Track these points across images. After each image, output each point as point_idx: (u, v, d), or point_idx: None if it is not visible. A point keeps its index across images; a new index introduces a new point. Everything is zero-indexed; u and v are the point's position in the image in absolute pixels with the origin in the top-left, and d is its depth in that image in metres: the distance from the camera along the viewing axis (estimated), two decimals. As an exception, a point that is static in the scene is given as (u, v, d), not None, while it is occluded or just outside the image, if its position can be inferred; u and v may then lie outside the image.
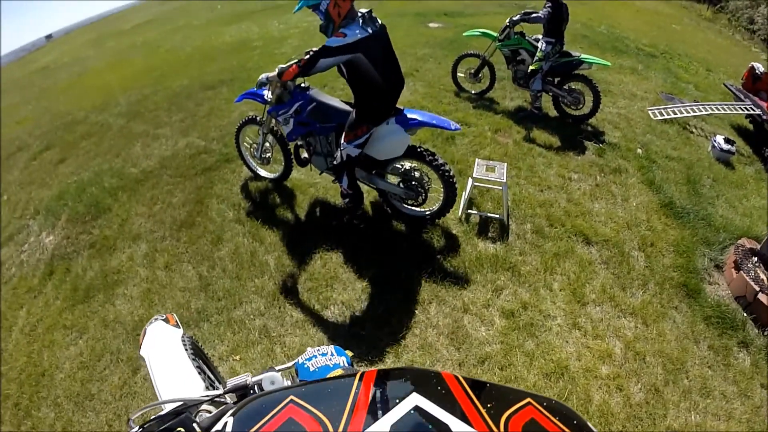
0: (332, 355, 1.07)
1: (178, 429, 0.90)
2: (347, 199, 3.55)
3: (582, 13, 11.98)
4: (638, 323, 3.09)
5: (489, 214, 3.85)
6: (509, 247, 3.57)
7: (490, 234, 3.71)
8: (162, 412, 1.01)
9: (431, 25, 10.86)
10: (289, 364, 1.09)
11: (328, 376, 1.01)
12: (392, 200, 3.74)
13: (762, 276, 3.44)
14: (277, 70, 3.19)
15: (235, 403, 0.98)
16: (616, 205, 4.21)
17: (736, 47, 16.89)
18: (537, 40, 5.57)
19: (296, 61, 3.06)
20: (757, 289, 3.23)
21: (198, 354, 1.59)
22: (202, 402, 1.06)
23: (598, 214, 4.03)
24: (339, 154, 3.30)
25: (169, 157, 5.37)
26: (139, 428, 0.97)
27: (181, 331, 1.59)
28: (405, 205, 3.71)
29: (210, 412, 1.02)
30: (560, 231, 3.76)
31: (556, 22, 5.20)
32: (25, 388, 3.05)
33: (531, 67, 5.43)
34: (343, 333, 2.93)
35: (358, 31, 2.78)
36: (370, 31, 2.84)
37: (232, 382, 1.02)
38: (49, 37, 49.66)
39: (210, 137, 5.65)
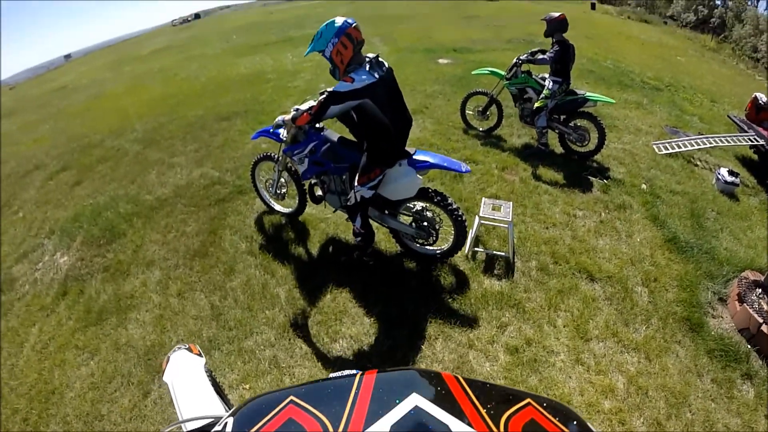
0: None
1: None
2: (359, 238, 3.62)
3: (588, 48, 12.20)
4: (641, 358, 3.12)
5: (495, 252, 3.92)
6: (514, 284, 3.64)
7: (495, 271, 3.78)
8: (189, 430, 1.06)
9: (441, 61, 11.07)
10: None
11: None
12: (404, 239, 3.82)
13: (766, 307, 3.45)
14: (292, 113, 3.32)
15: None
16: (620, 241, 4.27)
17: (740, 76, 17.02)
18: (544, 79, 5.71)
19: (308, 108, 3.16)
20: (761, 320, 3.24)
21: (213, 383, 1.67)
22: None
23: (602, 251, 4.09)
24: (353, 196, 3.39)
25: (184, 186, 5.52)
26: None
27: (203, 360, 1.65)
28: (416, 244, 3.79)
29: None
30: (564, 268, 3.83)
31: (563, 63, 5.33)
32: (34, 404, 3.11)
33: (536, 104, 5.55)
34: (351, 366, 2.95)
35: (365, 77, 2.88)
36: (377, 76, 2.95)
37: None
38: (68, 56, 50.89)
39: (224, 168, 5.80)
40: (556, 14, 5.37)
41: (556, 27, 5.36)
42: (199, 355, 1.66)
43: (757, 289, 3.62)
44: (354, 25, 2.93)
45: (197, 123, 7.96)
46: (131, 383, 3.08)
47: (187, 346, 1.70)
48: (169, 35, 35.23)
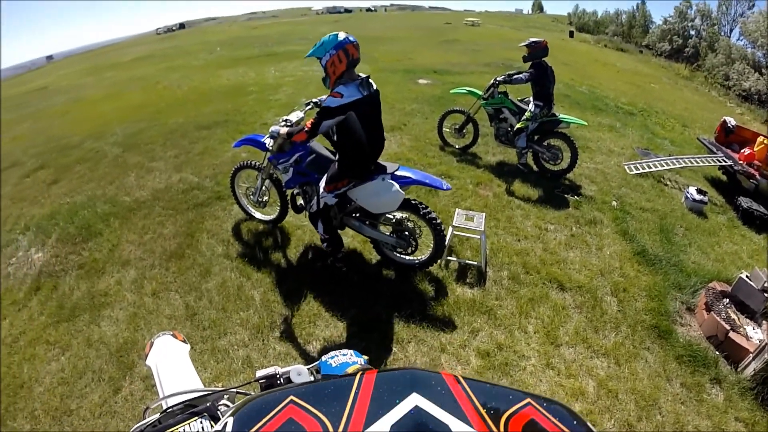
0: (351, 356, 1.14)
1: (203, 414, 0.98)
2: (325, 243, 3.68)
3: (565, 73, 12.61)
4: (611, 363, 3.21)
5: (468, 261, 4.01)
6: (486, 292, 3.72)
7: (468, 280, 3.86)
8: (179, 404, 1.07)
9: (420, 81, 11.32)
10: (315, 363, 1.16)
11: (346, 371, 1.07)
12: (383, 248, 3.87)
13: (733, 316, 3.61)
14: (282, 125, 3.47)
15: (260, 393, 1.06)
16: (590, 254, 4.40)
17: (712, 103, 17.73)
18: (523, 101, 5.90)
19: (298, 125, 3.29)
20: (728, 327, 3.38)
21: None
22: (228, 392, 1.14)
23: (573, 263, 4.21)
24: (316, 201, 3.49)
25: (162, 190, 5.50)
26: (161, 413, 1.03)
27: (188, 346, 1.64)
28: (395, 254, 3.85)
29: (228, 406, 1.09)
30: (536, 278, 3.93)
31: (541, 86, 5.52)
32: (2, 397, 3.05)
33: (517, 125, 5.72)
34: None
35: (354, 93, 3.03)
36: (365, 93, 3.09)
37: (260, 372, 1.09)
38: (50, 58, 50.16)
39: (203, 174, 5.81)
40: (539, 40, 5.60)
41: (539, 53, 5.58)
42: (184, 341, 1.65)
43: (725, 299, 3.79)
44: (354, 43, 3.04)
45: (178, 130, 7.94)
46: (102, 379, 3.05)
47: (172, 333, 1.68)
48: (152, 44, 35.14)
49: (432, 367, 3.00)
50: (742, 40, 27.40)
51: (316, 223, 3.58)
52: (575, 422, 0.62)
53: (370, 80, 3.21)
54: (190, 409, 1.03)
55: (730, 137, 7.93)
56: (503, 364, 3.09)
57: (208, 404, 1.02)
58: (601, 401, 2.92)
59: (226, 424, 0.63)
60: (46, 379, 3.13)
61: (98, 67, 24.62)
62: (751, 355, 3.23)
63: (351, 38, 3.04)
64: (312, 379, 1.10)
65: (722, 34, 31.92)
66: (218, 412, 1.00)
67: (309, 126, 3.11)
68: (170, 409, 1.05)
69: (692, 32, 33.65)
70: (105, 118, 10.18)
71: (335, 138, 3.27)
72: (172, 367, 1.51)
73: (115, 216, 5.01)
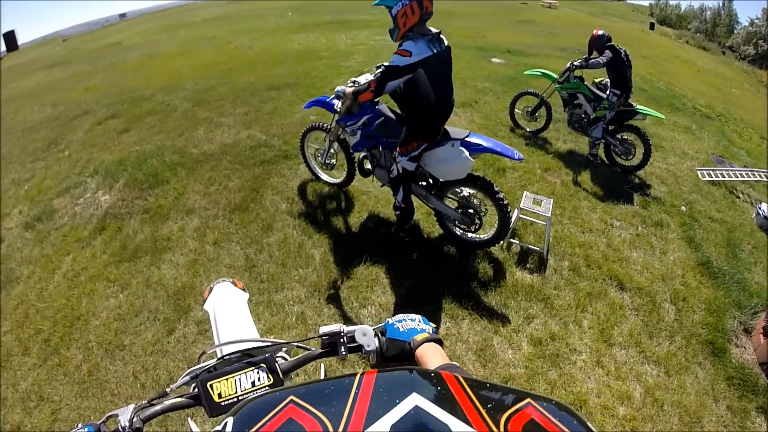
0: (420, 322, 1.10)
1: (261, 365, 0.98)
2: (398, 212, 3.68)
3: (643, 67, 11.98)
4: (660, 372, 3.13)
5: (530, 246, 3.96)
6: (545, 280, 3.67)
7: (528, 265, 3.81)
8: (237, 353, 1.06)
9: (493, 60, 11.03)
10: (381, 324, 1.13)
11: (413, 338, 1.04)
12: (446, 222, 3.83)
13: None
14: (350, 86, 3.41)
15: (321, 350, 1.05)
16: (653, 256, 4.25)
17: (794, 117, 16.48)
18: (600, 84, 5.68)
19: (366, 84, 3.16)
20: None
21: None
22: (290, 345, 1.13)
23: (635, 263, 4.08)
24: (395, 167, 3.47)
25: (230, 145, 5.66)
26: (218, 360, 1.03)
27: (247, 295, 1.64)
28: (458, 229, 3.81)
29: (285, 359, 1.09)
30: (596, 273, 3.84)
31: (618, 72, 5.30)
32: (58, 327, 3.24)
33: (595, 114, 5.54)
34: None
35: (424, 50, 2.90)
36: (435, 50, 2.96)
37: (324, 329, 1.06)
38: (123, 15, 51.92)
39: (271, 133, 5.92)
40: (594, 32, 5.52)
41: (597, 43, 5.45)
42: (243, 290, 1.65)
43: None
44: None
45: (248, 89, 8.09)
46: (157, 319, 3.19)
47: (232, 280, 1.68)
48: (223, 6, 35.68)
49: (483, 348, 3.02)
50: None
51: (397, 189, 3.57)
52: (575, 422, 0.60)
53: (442, 36, 3.07)
54: (247, 358, 1.02)
55: (809, 157, 7.39)
56: (554, 354, 3.05)
57: (267, 355, 1.01)
58: (645, 409, 2.86)
59: (226, 423, 0.63)
60: (103, 314, 3.30)
61: (170, 26, 25.30)
62: None
63: None
64: (377, 340, 1.07)
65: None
66: (276, 365, 0.98)
67: (374, 85, 3.01)
68: (227, 356, 1.05)
69: (780, 38, 31.24)
70: (176, 73, 10.49)
71: (403, 98, 3.18)
72: (230, 314, 1.52)
73: (183, 166, 5.20)
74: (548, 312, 3.39)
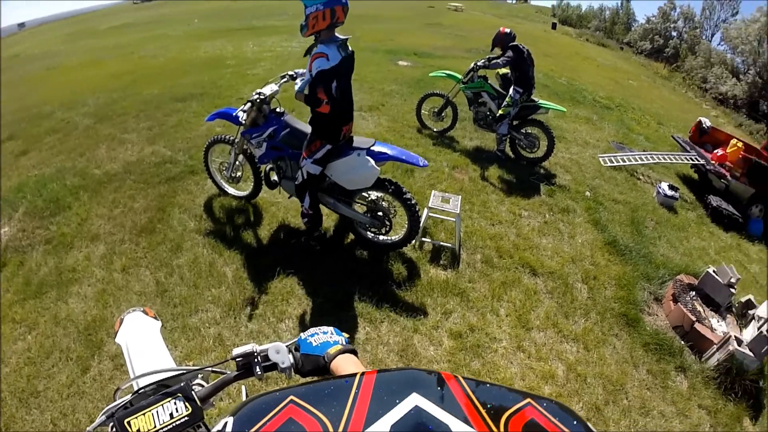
0: (332, 334, 1.12)
1: (177, 395, 0.94)
2: (306, 219, 3.66)
3: (546, 64, 12.69)
4: (580, 348, 3.31)
5: (442, 243, 4.04)
6: (459, 275, 3.76)
7: (441, 261, 3.89)
8: (152, 384, 1.02)
9: (401, 63, 11.24)
10: (294, 340, 1.13)
11: (327, 351, 1.05)
12: (357, 228, 3.85)
13: (699, 308, 3.77)
14: (256, 97, 3.46)
15: (236, 372, 1.03)
16: (562, 241, 4.49)
17: (688, 104, 18.12)
18: (505, 77, 5.91)
19: (321, 102, 3.14)
20: (694, 319, 3.52)
21: None
22: (203, 371, 1.09)
23: (545, 249, 4.29)
24: (300, 173, 3.45)
25: (134, 163, 5.35)
26: (133, 395, 0.99)
27: (159, 323, 1.57)
28: (369, 233, 3.83)
29: (202, 386, 1.06)
30: (508, 262, 3.99)
31: (520, 70, 5.54)
32: None
33: (500, 112, 5.75)
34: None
35: (336, 54, 3.00)
36: (343, 55, 3.07)
37: (237, 350, 1.04)
38: (21, 25, 48.14)
39: (176, 148, 5.67)
40: (500, 30, 5.71)
41: (503, 40, 5.64)
42: (155, 318, 1.58)
43: (691, 292, 3.95)
44: (345, 6, 2.98)
45: (152, 101, 7.71)
46: (70, 359, 2.96)
47: (142, 309, 1.60)
48: (129, 13, 33.93)
49: (404, 348, 3.04)
50: (722, 46, 27.99)
51: (303, 195, 3.55)
52: (575, 422, 0.62)
53: (347, 43, 3.19)
54: (163, 389, 0.99)
55: (703, 138, 8.15)
56: (475, 345, 3.14)
57: (182, 384, 0.98)
58: (570, 384, 3.00)
59: (226, 423, 0.63)
60: (12, 359, 3.03)
61: (73, 35, 23.82)
62: (715, 346, 3.38)
63: (344, 1, 2.98)
64: (291, 357, 1.07)
65: (704, 37, 32.57)
66: (192, 392, 0.96)
67: (324, 96, 3.06)
68: (142, 390, 1.01)
69: (674, 33, 34.18)
70: (78, 87, 9.82)
71: (309, 98, 3.20)
72: (143, 345, 1.45)
73: (85, 189, 4.84)
74: (465, 305, 3.48)
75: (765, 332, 3.31)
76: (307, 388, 0.68)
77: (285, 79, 3.73)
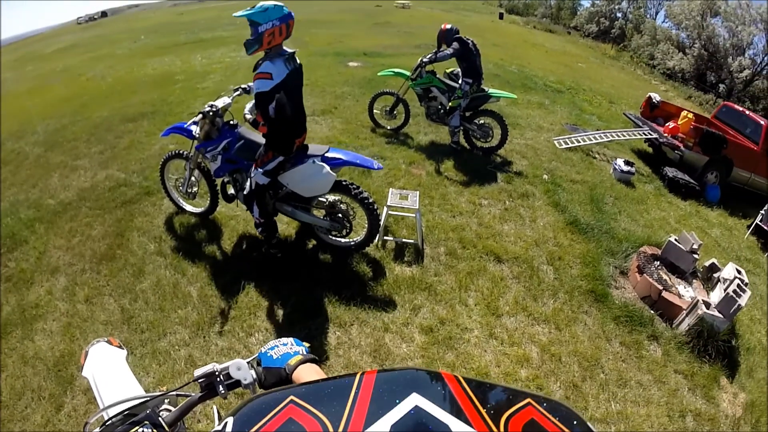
0: (292, 345, 1.13)
1: (144, 423, 0.93)
2: (260, 228, 3.65)
3: (495, 54, 12.91)
4: (551, 329, 3.39)
5: (404, 240, 4.08)
6: (425, 269, 3.81)
7: (406, 258, 3.93)
8: (119, 415, 1.03)
9: (351, 64, 11.26)
10: (255, 355, 1.14)
11: (288, 362, 1.07)
12: (318, 232, 3.85)
13: (665, 277, 3.93)
14: (209, 110, 3.47)
15: (200, 393, 1.03)
16: (524, 226, 4.59)
17: (638, 81, 18.68)
18: (453, 74, 5.98)
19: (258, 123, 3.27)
20: (661, 288, 3.66)
21: None
22: (168, 396, 1.10)
23: (508, 235, 4.38)
24: (249, 183, 3.45)
25: (88, 189, 5.21)
26: (101, 427, 0.99)
27: (125, 352, 1.57)
28: (330, 237, 3.84)
29: (169, 411, 1.06)
30: (472, 252, 4.06)
31: (468, 61, 5.61)
32: None
33: (450, 104, 5.83)
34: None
35: (282, 69, 3.00)
36: (290, 68, 3.08)
37: (198, 372, 1.03)
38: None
39: (130, 170, 5.56)
40: (442, 27, 5.77)
41: (446, 36, 5.71)
42: (120, 347, 1.58)
43: (655, 262, 4.11)
44: (293, 18, 3.03)
45: (102, 124, 7.53)
46: (42, 398, 2.88)
47: (107, 339, 1.61)
48: (75, 33, 32.83)
49: (376, 349, 3.07)
50: (667, 23, 28.84)
51: (251, 206, 3.53)
52: (575, 422, 0.62)
53: (295, 56, 3.21)
54: (130, 418, 0.99)
55: (655, 112, 8.46)
56: (447, 338, 3.18)
57: (148, 411, 0.98)
58: (545, 366, 3.08)
59: (226, 423, 0.63)
60: None
61: (18, 60, 22.81)
62: (684, 311, 3.52)
63: (292, 13, 3.03)
64: (253, 372, 1.07)
65: (648, 16, 33.51)
66: (159, 419, 0.96)
67: (260, 118, 3.13)
68: (110, 421, 1.01)
69: (619, 14, 35.06)
70: (26, 115, 9.48)
71: (262, 113, 3.21)
72: (110, 376, 1.46)
73: (41, 221, 4.69)
74: (433, 299, 3.53)
75: (731, 293, 3.46)
76: (307, 388, 0.70)
77: (238, 92, 3.71)
